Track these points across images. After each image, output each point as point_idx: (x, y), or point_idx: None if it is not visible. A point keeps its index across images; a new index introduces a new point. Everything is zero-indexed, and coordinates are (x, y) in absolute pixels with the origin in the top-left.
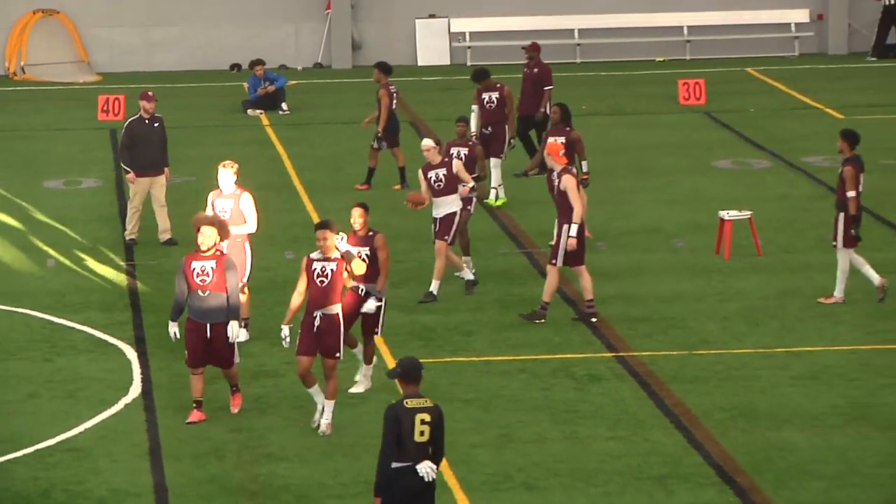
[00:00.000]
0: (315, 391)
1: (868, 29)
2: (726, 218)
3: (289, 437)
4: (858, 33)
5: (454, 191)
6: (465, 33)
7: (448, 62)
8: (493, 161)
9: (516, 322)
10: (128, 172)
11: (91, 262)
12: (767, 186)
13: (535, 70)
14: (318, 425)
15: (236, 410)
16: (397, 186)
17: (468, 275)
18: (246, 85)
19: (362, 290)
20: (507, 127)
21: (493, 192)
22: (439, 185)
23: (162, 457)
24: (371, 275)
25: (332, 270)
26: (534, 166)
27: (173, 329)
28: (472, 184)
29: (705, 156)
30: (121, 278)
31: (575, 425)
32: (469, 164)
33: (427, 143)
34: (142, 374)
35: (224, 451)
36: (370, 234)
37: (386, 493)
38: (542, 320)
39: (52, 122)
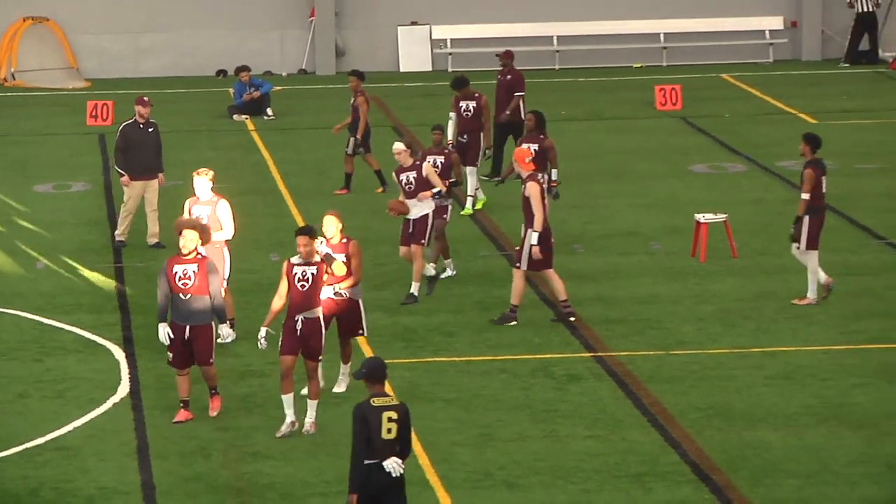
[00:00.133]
0: (288, 401)
1: (841, 36)
2: (702, 221)
3: (274, 436)
4: (831, 40)
5: (425, 191)
6: (446, 40)
7: (430, 68)
8: (469, 169)
9: None
10: (122, 176)
11: (80, 265)
12: (742, 190)
13: (509, 77)
14: (283, 432)
15: (215, 413)
16: (379, 189)
17: (430, 271)
18: (232, 91)
19: (341, 293)
20: (482, 136)
21: (469, 199)
22: (410, 188)
23: (149, 455)
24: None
25: (312, 274)
26: (508, 173)
27: (164, 330)
28: (437, 189)
29: (682, 160)
30: (109, 280)
31: (554, 424)
32: (445, 171)
33: (398, 146)
34: (130, 374)
35: (210, 450)
36: (344, 240)
37: (353, 489)
38: (514, 322)
39: (41, 127)
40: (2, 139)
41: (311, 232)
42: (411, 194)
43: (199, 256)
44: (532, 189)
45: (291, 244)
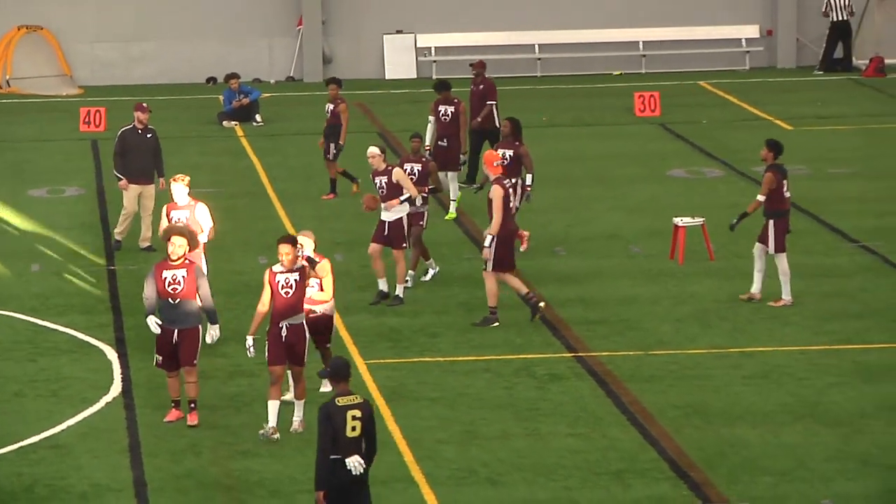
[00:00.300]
0: (273, 408)
1: (815, 44)
2: (680, 224)
3: (254, 429)
4: (806, 48)
5: (397, 197)
6: (430, 48)
7: (415, 76)
8: (451, 174)
9: None
10: (120, 179)
11: (74, 267)
12: (720, 195)
13: (481, 86)
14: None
15: (195, 422)
16: (356, 188)
17: (407, 284)
18: (221, 98)
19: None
20: (459, 141)
21: (452, 204)
22: (382, 192)
23: (141, 453)
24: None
25: (295, 281)
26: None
27: (153, 321)
28: (406, 195)
29: (660, 165)
30: (102, 282)
31: (536, 422)
32: (422, 178)
33: (372, 150)
34: (122, 373)
35: (200, 448)
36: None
37: (317, 482)
38: (496, 324)
39: (36, 133)
40: None
41: (294, 240)
42: (384, 198)
43: (188, 262)
44: (495, 192)
45: None
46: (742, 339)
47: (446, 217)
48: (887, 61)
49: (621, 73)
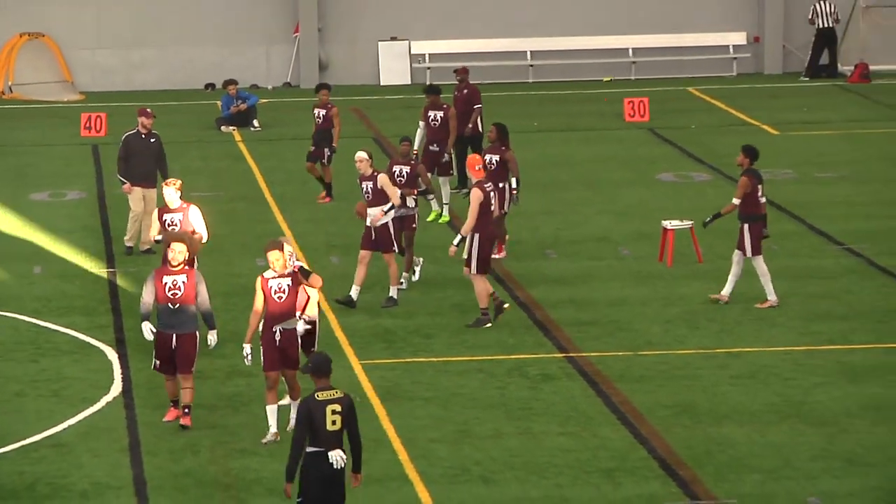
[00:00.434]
0: (272, 412)
1: (801, 51)
2: (669, 228)
3: (260, 434)
4: (792, 55)
5: (383, 202)
6: (424, 55)
7: (409, 82)
8: (442, 179)
9: None
10: (123, 183)
11: (75, 270)
12: (707, 198)
13: (465, 91)
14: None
15: (188, 424)
16: (323, 196)
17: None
18: (220, 103)
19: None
20: (447, 144)
21: (445, 207)
22: (367, 197)
23: (141, 452)
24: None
25: (288, 286)
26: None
27: (148, 327)
28: (389, 205)
29: (649, 169)
30: (102, 284)
31: (529, 422)
32: (411, 181)
33: (360, 154)
34: (122, 374)
35: (199, 447)
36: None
37: (302, 477)
38: (489, 325)
39: (38, 138)
40: (0, 149)
41: (281, 245)
42: (369, 203)
43: (187, 267)
44: (473, 195)
45: None
46: (729, 340)
47: (439, 220)
48: (872, 68)
49: (611, 79)
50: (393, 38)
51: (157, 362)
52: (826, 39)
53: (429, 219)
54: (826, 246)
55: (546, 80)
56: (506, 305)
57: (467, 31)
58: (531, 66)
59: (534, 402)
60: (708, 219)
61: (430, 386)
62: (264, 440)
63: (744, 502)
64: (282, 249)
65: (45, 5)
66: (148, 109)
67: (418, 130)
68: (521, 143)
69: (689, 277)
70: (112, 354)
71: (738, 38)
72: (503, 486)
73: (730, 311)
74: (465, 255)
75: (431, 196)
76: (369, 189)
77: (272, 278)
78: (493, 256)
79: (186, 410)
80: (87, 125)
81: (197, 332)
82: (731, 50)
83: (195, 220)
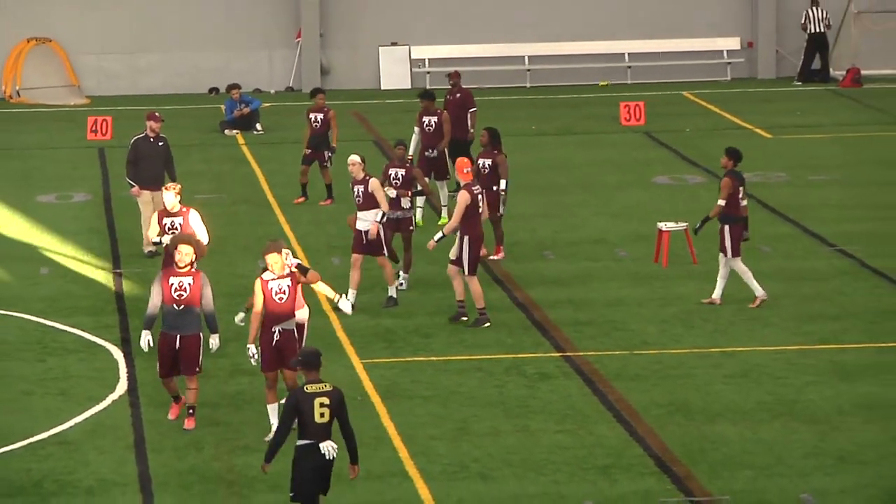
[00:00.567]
0: (273, 410)
1: (794, 56)
2: (664, 229)
3: (263, 431)
4: (785, 60)
5: (373, 206)
6: (424, 60)
7: (409, 86)
8: (439, 183)
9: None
10: (132, 187)
11: (81, 270)
12: (702, 200)
13: (458, 95)
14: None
15: (192, 427)
16: (300, 199)
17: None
18: (223, 107)
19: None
20: (445, 149)
21: (444, 209)
22: (359, 200)
23: (146, 449)
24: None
25: (287, 286)
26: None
27: (146, 338)
28: (381, 213)
29: (645, 172)
30: (108, 285)
31: (526, 419)
32: (406, 183)
33: (353, 158)
34: (127, 372)
35: (203, 444)
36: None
37: (294, 470)
38: (488, 324)
39: (44, 141)
40: (7, 152)
41: (280, 248)
42: (361, 206)
43: (194, 270)
44: (461, 196)
45: None
46: (723, 340)
47: (438, 223)
48: (863, 72)
49: (607, 84)
50: (393, 44)
51: (160, 364)
52: (817, 44)
53: (440, 223)
54: (819, 247)
55: (543, 84)
56: (465, 318)
57: (466, 37)
58: (529, 70)
59: (531, 400)
60: (697, 225)
61: (429, 384)
62: (267, 438)
63: (737, 499)
64: (280, 252)
65: (52, 11)
66: (157, 113)
67: (413, 136)
68: (519, 146)
69: (685, 278)
70: (118, 354)
71: (732, 43)
72: (501, 483)
73: (724, 312)
74: (451, 256)
75: (419, 206)
76: (360, 193)
77: (271, 280)
78: (492, 258)
79: (191, 411)
80: (93, 129)
81: (201, 334)
82: (726, 55)
83: (195, 224)
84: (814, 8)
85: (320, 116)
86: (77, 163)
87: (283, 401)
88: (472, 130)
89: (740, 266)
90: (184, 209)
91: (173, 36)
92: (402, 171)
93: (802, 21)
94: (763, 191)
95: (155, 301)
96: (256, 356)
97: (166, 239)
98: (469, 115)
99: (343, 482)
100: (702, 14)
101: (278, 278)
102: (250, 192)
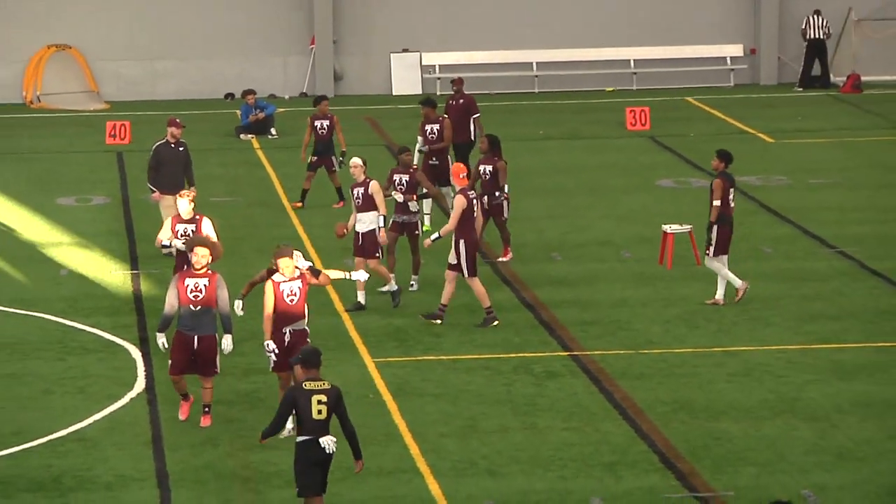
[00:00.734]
0: None
1: (796, 62)
2: (669, 231)
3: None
4: (787, 66)
5: (372, 208)
6: (435, 66)
7: (420, 91)
8: (445, 190)
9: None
10: (153, 192)
11: (100, 271)
12: (705, 203)
13: (461, 101)
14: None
15: (207, 424)
16: (298, 204)
17: (393, 286)
18: (239, 112)
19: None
20: (447, 156)
21: (426, 217)
22: (358, 202)
23: (163, 446)
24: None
25: (299, 288)
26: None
27: (161, 340)
28: (382, 217)
29: (650, 176)
30: (127, 285)
31: (534, 417)
32: (410, 188)
33: (355, 160)
34: (145, 371)
35: (218, 441)
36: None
37: (296, 467)
38: (496, 322)
39: (64, 145)
40: (28, 156)
41: (291, 252)
42: (360, 208)
43: (210, 272)
44: (457, 200)
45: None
46: (726, 340)
47: (424, 229)
48: (863, 78)
49: (613, 90)
50: (405, 50)
51: (171, 363)
52: (816, 50)
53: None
54: (819, 249)
55: (551, 90)
56: (438, 321)
57: (476, 44)
58: (536, 76)
59: (539, 398)
60: (712, 237)
61: (439, 383)
62: (280, 435)
63: (740, 494)
64: (291, 256)
65: (72, 19)
66: (177, 120)
67: (417, 145)
68: (526, 150)
69: (688, 279)
70: (136, 353)
71: (735, 50)
72: (509, 479)
73: (727, 312)
74: (450, 260)
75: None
76: (360, 195)
77: (283, 282)
78: (500, 259)
79: (206, 409)
80: (112, 133)
81: (217, 336)
82: (729, 61)
83: (207, 232)
84: (814, 15)
85: (326, 123)
86: (96, 166)
87: None
88: (482, 135)
89: (716, 264)
90: (197, 217)
91: (190, 43)
92: (405, 177)
93: (803, 27)
94: (765, 193)
95: (171, 302)
96: (276, 351)
97: (177, 243)
98: (472, 122)
99: (354, 478)
100: (705, 21)
101: (289, 280)
102: (265, 196)
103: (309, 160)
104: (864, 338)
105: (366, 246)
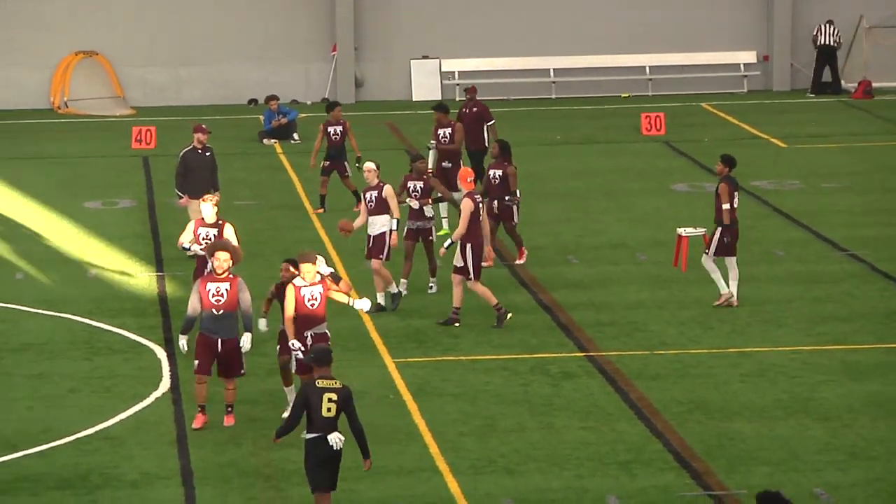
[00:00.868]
0: None
1: (808, 69)
2: (683, 234)
3: (299, 427)
4: (800, 72)
5: (384, 212)
6: (454, 72)
7: (439, 97)
8: (457, 194)
9: None
10: (181, 198)
11: (126, 273)
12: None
13: (475, 109)
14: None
15: (231, 423)
16: (320, 210)
17: (394, 289)
18: (262, 117)
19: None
20: (461, 162)
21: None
22: (371, 206)
23: (187, 444)
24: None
25: (319, 293)
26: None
27: (183, 341)
28: (396, 220)
29: (665, 180)
30: (152, 287)
31: (550, 416)
32: (424, 193)
33: (368, 164)
34: (170, 371)
35: (242, 440)
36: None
37: (306, 462)
38: (510, 315)
39: (91, 150)
40: (56, 160)
41: (314, 259)
42: (373, 211)
43: (231, 276)
44: (465, 204)
45: None
46: (740, 341)
47: (439, 234)
48: (874, 84)
49: (629, 95)
50: (425, 57)
51: (197, 363)
52: (826, 57)
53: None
54: (830, 252)
55: (568, 95)
56: (457, 324)
57: (494, 50)
58: (554, 82)
59: (555, 398)
60: (726, 240)
61: (458, 383)
62: (302, 435)
63: (754, 493)
64: (314, 262)
65: (98, 26)
66: (203, 126)
67: (430, 152)
68: (544, 154)
69: (703, 281)
70: (161, 353)
71: (749, 56)
72: (527, 477)
73: (740, 314)
74: (455, 263)
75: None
76: (373, 198)
77: (304, 286)
78: (516, 262)
79: (229, 409)
80: (138, 138)
81: (238, 337)
82: (742, 68)
83: (229, 237)
84: (825, 23)
85: (339, 129)
86: (122, 171)
87: None
88: (496, 142)
89: (710, 265)
90: (220, 221)
91: (215, 50)
92: (419, 183)
93: (814, 33)
94: (777, 197)
95: (194, 306)
96: (301, 349)
97: (196, 248)
98: (487, 129)
99: (374, 476)
100: (719, 29)
101: (310, 285)
102: (287, 199)
103: (321, 165)
104: (876, 339)
105: (373, 248)
